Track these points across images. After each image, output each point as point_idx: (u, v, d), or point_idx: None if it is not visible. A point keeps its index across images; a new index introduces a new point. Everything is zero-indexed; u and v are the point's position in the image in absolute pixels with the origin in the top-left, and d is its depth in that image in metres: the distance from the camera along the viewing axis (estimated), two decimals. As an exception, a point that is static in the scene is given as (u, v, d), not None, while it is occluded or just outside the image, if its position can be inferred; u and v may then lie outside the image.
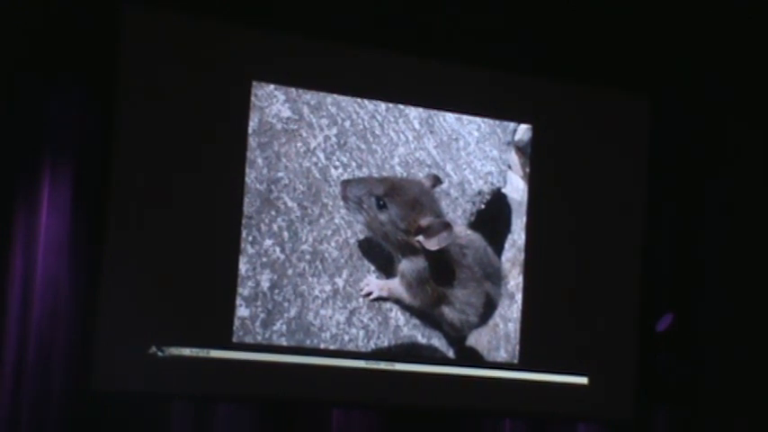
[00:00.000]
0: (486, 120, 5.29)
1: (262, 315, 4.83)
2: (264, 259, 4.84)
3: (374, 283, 5.00)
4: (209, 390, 4.82)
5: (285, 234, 4.88)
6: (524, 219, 5.31)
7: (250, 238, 4.84)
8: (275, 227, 4.87)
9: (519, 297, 5.27)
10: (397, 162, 5.10)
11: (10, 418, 4.60)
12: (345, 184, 4.97)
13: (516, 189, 5.32)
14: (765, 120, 5.65)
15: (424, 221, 4.98)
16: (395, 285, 5.01)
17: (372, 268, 5.01)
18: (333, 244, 4.95)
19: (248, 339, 4.81)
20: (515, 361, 5.25)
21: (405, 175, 5.09)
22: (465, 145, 5.23)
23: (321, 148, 4.98)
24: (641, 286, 5.51)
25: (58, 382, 4.68)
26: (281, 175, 4.90)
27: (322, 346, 4.91)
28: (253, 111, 4.90)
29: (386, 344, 5.01)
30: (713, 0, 5.41)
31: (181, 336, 4.74)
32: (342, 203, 4.96)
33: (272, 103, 4.94)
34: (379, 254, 5.00)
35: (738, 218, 5.68)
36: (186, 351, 4.76)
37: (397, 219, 4.95)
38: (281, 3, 5.03)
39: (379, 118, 5.10)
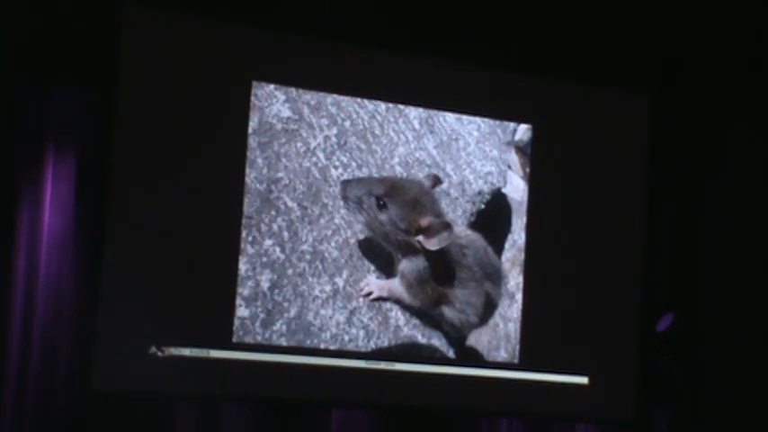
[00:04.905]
0: (486, 120, 5.29)
1: (262, 315, 4.83)
2: (264, 259, 4.84)
3: (374, 283, 5.00)
4: (210, 390, 4.82)
5: (285, 234, 4.89)
6: (524, 219, 5.32)
7: (250, 238, 4.84)
8: (275, 227, 4.88)
9: (519, 297, 5.27)
10: (397, 162, 5.10)
11: (13, 418, 4.61)
12: (345, 184, 4.97)
13: (516, 189, 5.32)
14: (765, 119, 5.65)
15: (425, 221, 4.97)
16: (395, 285, 5.01)
17: (372, 268, 5.01)
18: (333, 244, 4.95)
19: (248, 339, 4.82)
20: (515, 361, 5.25)
21: (405, 175, 5.09)
22: (465, 145, 5.23)
23: (321, 148, 4.98)
24: (641, 286, 5.51)
25: (62, 380, 4.69)
26: (281, 175, 4.91)
27: (322, 346, 4.91)
28: (253, 111, 4.91)
29: (386, 344, 5.02)
30: (712, 0, 5.41)
31: (181, 336, 4.75)
32: (342, 203, 4.96)
33: (272, 103, 4.94)
34: (379, 254, 5.01)
35: (738, 217, 5.68)
36: (186, 351, 4.76)
37: (397, 219, 4.95)
38: (281, 3, 5.04)
39: (378, 118, 5.10)
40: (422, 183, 5.08)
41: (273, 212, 4.88)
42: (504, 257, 5.26)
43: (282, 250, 4.87)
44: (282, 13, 5.02)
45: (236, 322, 4.80)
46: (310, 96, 5.00)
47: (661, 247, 5.67)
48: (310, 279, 4.90)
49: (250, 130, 4.89)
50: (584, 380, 5.38)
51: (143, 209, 4.74)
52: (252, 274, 4.82)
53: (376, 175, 5.03)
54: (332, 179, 4.98)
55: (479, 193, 5.24)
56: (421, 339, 5.08)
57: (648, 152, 5.57)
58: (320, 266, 4.92)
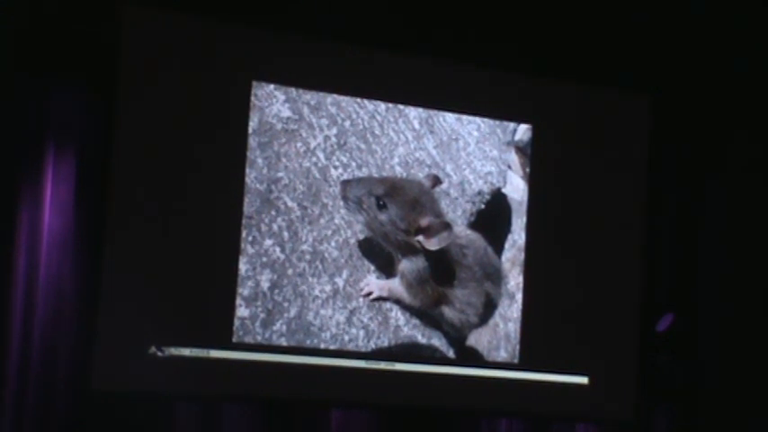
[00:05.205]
0: (486, 120, 5.29)
1: (262, 315, 4.83)
2: (264, 259, 4.84)
3: (374, 283, 5.00)
4: (210, 390, 4.82)
5: (285, 234, 4.89)
6: (524, 219, 5.32)
7: (250, 238, 4.84)
8: (275, 227, 4.88)
9: (519, 297, 5.27)
10: (396, 162, 5.10)
11: (13, 418, 4.61)
12: (345, 184, 4.97)
13: (516, 189, 5.32)
14: (765, 119, 5.65)
15: (424, 221, 4.97)
16: (395, 285, 5.01)
17: (372, 268, 5.01)
18: (333, 244, 4.95)
19: (248, 339, 4.82)
20: (515, 361, 5.25)
21: (405, 175, 5.09)
22: (465, 145, 5.23)
23: (321, 148, 4.98)
24: (641, 286, 5.51)
25: (62, 380, 4.69)
26: (281, 175, 4.91)
27: (322, 346, 4.91)
28: (253, 111, 4.91)
29: (386, 344, 5.02)
30: (712, 0, 5.41)
31: (181, 336, 4.75)
32: (342, 203, 4.96)
33: (272, 103, 4.94)
34: (379, 254, 5.01)
35: (738, 218, 5.68)
36: (186, 351, 4.76)
37: (396, 219, 4.95)
38: (280, 3, 5.04)
39: (378, 118, 5.10)
40: (422, 183, 5.08)
41: (273, 212, 4.88)
42: (504, 257, 5.26)
43: (282, 250, 4.87)
44: (282, 13, 5.02)
45: (236, 322, 4.80)
46: (310, 96, 5.00)
47: (661, 247, 5.67)
48: (310, 279, 4.90)
49: (250, 130, 4.89)
50: (584, 380, 5.38)
51: (143, 209, 4.74)
52: (252, 274, 4.82)
53: (376, 175, 5.03)
54: (332, 179, 4.98)
55: (479, 193, 5.24)
56: (421, 339, 5.08)
57: (648, 152, 5.57)
58: (320, 266, 4.92)
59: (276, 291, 4.84)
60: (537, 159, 5.37)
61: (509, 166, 5.32)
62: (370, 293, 4.99)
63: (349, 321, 4.95)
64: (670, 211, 5.72)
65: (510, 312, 5.25)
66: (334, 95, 5.03)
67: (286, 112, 4.95)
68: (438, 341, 5.11)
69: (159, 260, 4.72)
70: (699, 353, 5.65)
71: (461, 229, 5.14)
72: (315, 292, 4.90)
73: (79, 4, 4.76)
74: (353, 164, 5.02)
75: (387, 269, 5.02)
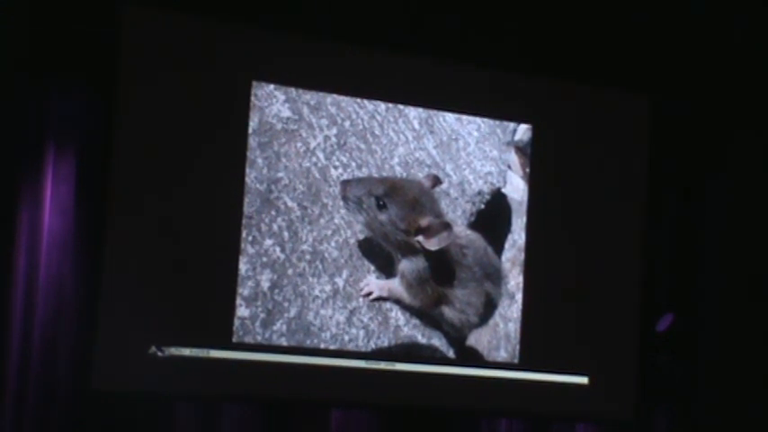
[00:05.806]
0: (485, 120, 5.29)
1: (262, 315, 4.83)
2: (264, 259, 4.84)
3: (374, 283, 5.00)
4: (210, 390, 4.82)
5: (285, 234, 4.89)
6: (524, 219, 5.32)
7: (250, 238, 4.84)
8: (275, 227, 4.88)
9: (519, 297, 5.27)
10: (396, 162, 5.10)
11: (13, 418, 4.61)
12: (345, 184, 4.97)
13: (516, 189, 5.32)
14: (765, 119, 5.65)
15: (424, 221, 4.98)
16: (395, 285, 5.01)
17: (372, 268, 5.01)
18: (333, 244, 4.95)
19: (248, 339, 4.82)
20: (515, 361, 5.25)
21: (404, 175, 5.09)
22: (465, 145, 5.23)
23: (321, 148, 4.98)
24: (641, 286, 5.51)
25: (62, 380, 4.69)
26: (281, 175, 4.91)
27: (322, 345, 4.91)
28: (253, 111, 4.91)
29: (386, 344, 5.02)
30: (712, 0, 5.41)
31: (181, 336, 4.75)
32: (342, 203, 4.96)
33: (272, 103, 4.94)
34: (378, 254, 5.01)
35: (738, 218, 5.68)
36: (186, 351, 4.76)
37: (396, 219, 4.95)
38: (281, 3, 5.04)
39: (378, 118, 5.10)
40: (422, 183, 5.08)
41: (273, 212, 4.88)
42: (504, 257, 5.26)
43: (282, 250, 4.87)
44: (282, 13, 5.02)
45: (236, 322, 4.81)
46: (310, 96, 5.00)
47: (661, 247, 5.67)
48: (310, 279, 4.90)
49: (250, 130, 4.89)
50: (584, 380, 5.38)
51: (143, 209, 4.74)
52: (252, 274, 4.82)
53: (376, 175, 5.03)
54: (332, 179, 4.98)
55: (479, 193, 5.24)
56: (421, 339, 5.08)
57: (648, 152, 5.57)
58: (320, 266, 4.92)
59: (276, 291, 4.85)
60: (537, 159, 5.37)
61: (509, 166, 5.33)
62: (370, 293, 4.99)
63: (349, 321, 4.95)
64: (670, 211, 5.72)
65: (510, 312, 5.25)
66: (334, 95, 5.03)
67: (286, 112, 4.95)
68: (438, 341, 5.11)
69: (159, 260, 4.72)
70: (699, 353, 5.65)
71: (461, 229, 5.14)
72: (315, 292, 4.90)
73: (79, 4, 4.76)
74: (353, 164, 5.02)
75: (387, 269, 5.02)
